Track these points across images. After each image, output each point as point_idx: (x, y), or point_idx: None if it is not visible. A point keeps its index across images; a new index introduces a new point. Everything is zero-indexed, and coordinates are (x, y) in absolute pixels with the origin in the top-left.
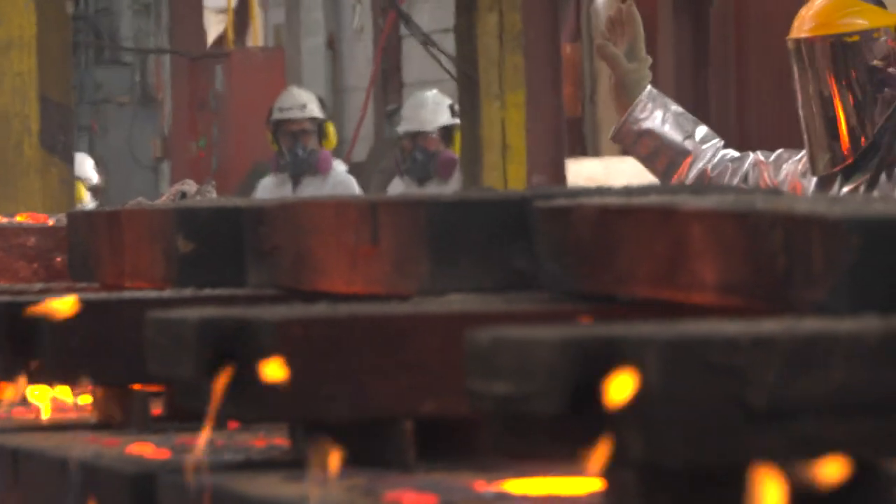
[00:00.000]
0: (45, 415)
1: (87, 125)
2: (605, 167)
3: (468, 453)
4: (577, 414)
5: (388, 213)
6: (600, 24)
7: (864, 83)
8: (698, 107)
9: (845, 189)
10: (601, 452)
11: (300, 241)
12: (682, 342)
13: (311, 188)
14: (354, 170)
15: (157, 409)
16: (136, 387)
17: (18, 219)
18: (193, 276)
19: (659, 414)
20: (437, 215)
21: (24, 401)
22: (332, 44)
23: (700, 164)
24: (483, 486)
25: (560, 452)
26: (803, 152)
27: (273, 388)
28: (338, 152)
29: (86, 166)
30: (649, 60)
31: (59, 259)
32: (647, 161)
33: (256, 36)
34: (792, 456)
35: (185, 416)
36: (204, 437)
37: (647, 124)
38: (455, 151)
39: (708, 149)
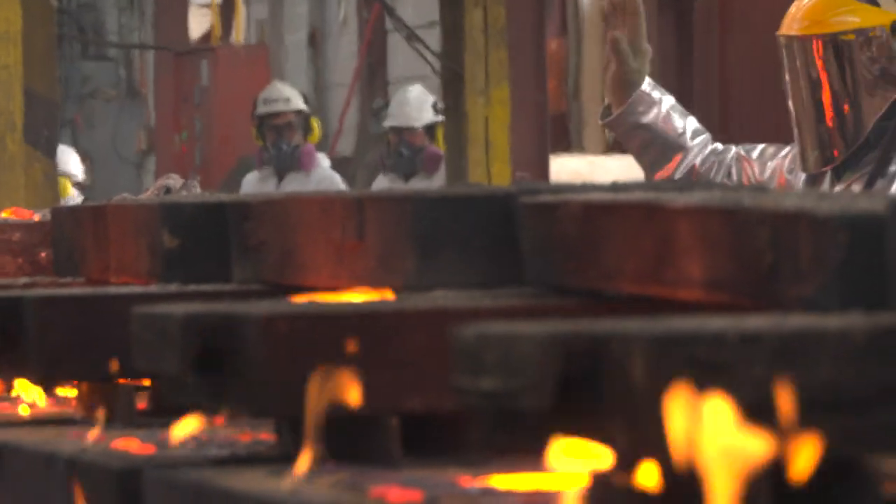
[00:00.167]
0: (30, 410)
1: (70, 119)
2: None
3: (454, 449)
4: (562, 410)
5: (373, 208)
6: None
7: (858, 82)
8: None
9: (838, 188)
10: (586, 448)
11: (286, 236)
12: (669, 338)
13: (295, 183)
14: (339, 165)
15: (142, 403)
16: (122, 382)
17: (3, 214)
18: (178, 271)
19: (645, 410)
20: (422, 211)
21: (9, 396)
22: (316, 39)
23: (689, 160)
24: (469, 481)
25: (546, 448)
26: (788, 148)
27: (258, 384)
28: (321, 147)
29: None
30: (649, 52)
31: (43, 254)
32: (637, 152)
33: (240, 31)
34: (779, 452)
35: (170, 411)
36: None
37: (644, 119)
38: (439, 147)
39: (697, 144)
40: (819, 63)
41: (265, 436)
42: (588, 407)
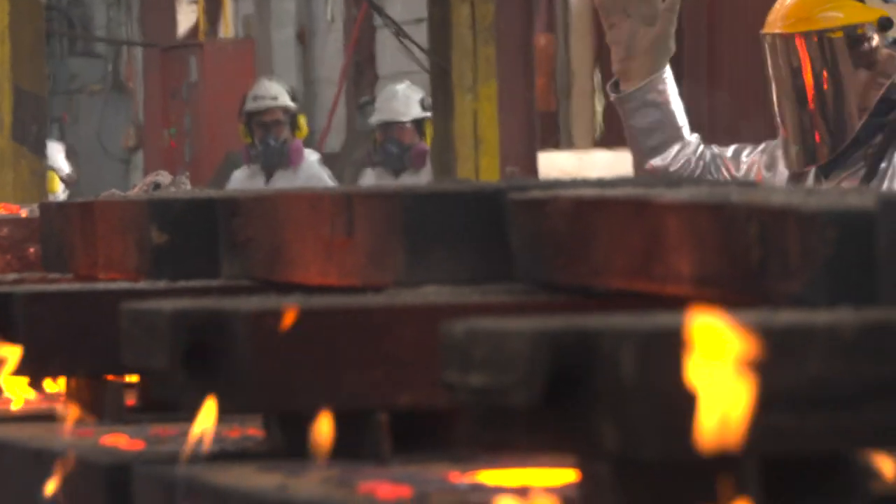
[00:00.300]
0: (19, 405)
1: (58, 116)
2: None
3: (443, 445)
4: (552, 406)
5: (363, 204)
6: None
7: (847, 79)
8: None
9: (825, 186)
10: (576, 444)
11: (275, 232)
12: (658, 334)
13: (283, 180)
14: (327, 161)
15: (131, 399)
16: (110, 378)
17: None
18: (167, 267)
19: (634, 406)
20: (412, 207)
21: None
22: (303, 35)
23: (685, 153)
24: (458, 477)
25: (535, 444)
26: (763, 145)
27: (247, 380)
28: (309, 144)
29: (59, 157)
30: (675, 12)
31: (32, 250)
32: (641, 134)
33: (227, 26)
34: (768, 448)
35: (159, 407)
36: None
37: (661, 98)
38: (426, 143)
39: (693, 140)
40: (807, 61)
41: (254, 432)
42: (577, 403)
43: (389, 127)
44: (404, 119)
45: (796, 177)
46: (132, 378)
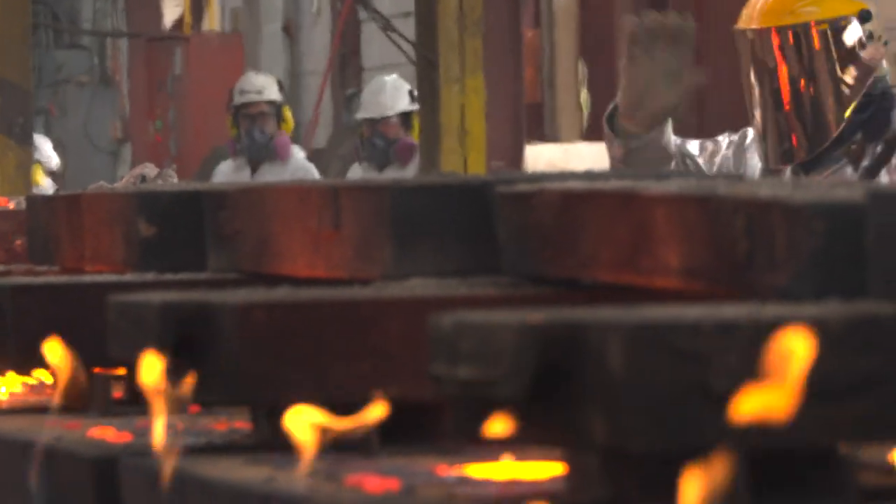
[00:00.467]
0: (6, 398)
1: (44, 108)
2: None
3: (431, 437)
4: (539, 398)
5: (350, 197)
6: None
7: (831, 74)
8: None
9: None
10: (564, 437)
11: (262, 225)
12: (646, 327)
13: (270, 174)
14: (313, 156)
15: (118, 392)
16: (97, 370)
17: None
18: (154, 260)
19: (622, 398)
20: (399, 200)
21: None
22: (290, 28)
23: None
24: (445, 470)
25: (523, 436)
26: (726, 139)
27: (235, 372)
28: (295, 137)
29: (45, 149)
30: (692, 90)
31: (19, 242)
32: (622, 158)
33: (213, 19)
34: (754, 440)
35: (146, 399)
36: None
37: (665, 137)
38: (414, 137)
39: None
40: (788, 55)
41: (241, 424)
42: (565, 396)
43: (375, 122)
44: (390, 114)
45: (771, 174)
46: (119, 370)
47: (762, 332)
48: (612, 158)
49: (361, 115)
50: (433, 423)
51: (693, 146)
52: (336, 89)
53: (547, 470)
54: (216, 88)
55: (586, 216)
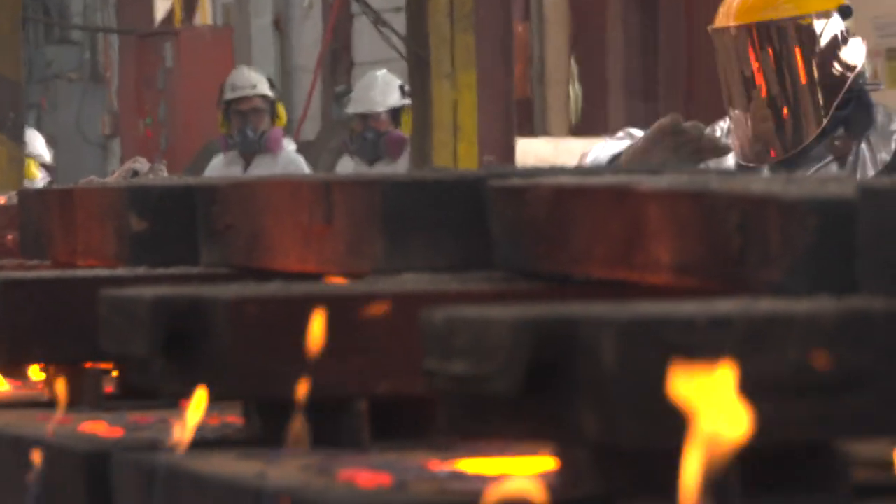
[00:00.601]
0: None
1: (36, 102)
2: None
3: (423, 433)
4: (532, 393)
5: (342, 192)
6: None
7: (811, 70)
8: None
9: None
10: (556, 432)
11: (254, 220)
12: (639, 322)
13: (261, 167)
14: (303, 149)
15: (109, 387)
16: (89, 365)
17: None
18: (146, 254)
19: (614, 394)
20: (391, 195)
21: None
22: (280, 22)
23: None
24: (437, 465)
25: (516, 432)
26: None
27: (227, 367)
28: (286, 132)
29: (37, 143)
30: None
31: (10, 237)
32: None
33: (205, 14)
34: (748, 436)
35: (138, 394)
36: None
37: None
38: (404, 132)
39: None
40: (773, 51)
41: (233, 419)
42: (557, 391)
43: (366, 117)
44: (380, 109)
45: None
46: (111, 365)
47: (756, 327)
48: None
49: (352, 109)
50: (425, 419)
51: None
52: (326, 84)
53: (539, 465)
54: (207, 82)
55: (580, 211)
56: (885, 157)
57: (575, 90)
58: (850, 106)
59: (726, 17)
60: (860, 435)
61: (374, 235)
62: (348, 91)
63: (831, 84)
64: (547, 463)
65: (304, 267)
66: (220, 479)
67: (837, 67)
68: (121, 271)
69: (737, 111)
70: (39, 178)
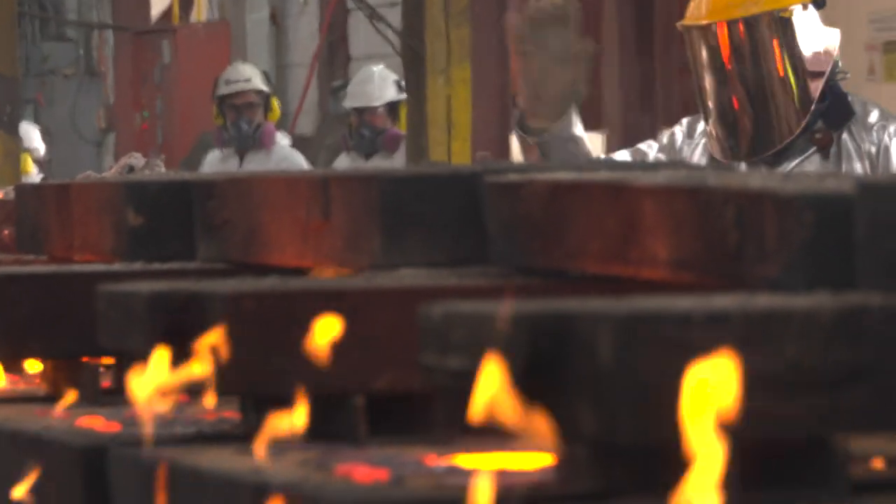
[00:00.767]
0: None
1: (32, 98)
2: None
3: (420, 427)
4: (529, 389)
5: (339, 187)
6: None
7: (794, 63)
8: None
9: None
10: (554, 427)
11: (251, 215)
12: (636, 317)
13: (256, 162)
14: (299, 143)
15: (106, 382)
16: (86, 360)
17: None
18: (143, 249)
19: (612, 389)
20: (388, 190)
21: None
22: (276, 18)
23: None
24: (435, 460)
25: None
26: (666, 137)
27: (224, 362)
28: (281, 127)
29: (33, 137)
30: (587, 60)
31: (6, 232)
32: (538, 158)
33: (201, 10)
34: (745, 432)
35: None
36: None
37: (577, 130)
38: (401, 127)
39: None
40: (752, 46)
41: (230, 414)
42: (554, 386)
43: (363, 112)
44: (377, 104)
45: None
46: (108, 360)
47: (753, 323)
48: (528, 161)
49: (349, 104)
50: (423, 413)
51: (622, 154)
52: (322, 79)
53: (536, 460)
54: (203, 77)
55: (575, 207)
56: (869, 148)
57: None
58: (828, 98)
59: (698, 14)
60: (858, 430)
61: (372, 231)
62: (346, 85)
63: (812, 76)
64: (544, 458)
65: (301, 262)
66: (218, 474)
67: (817, 59)
68: (118, 266)
69: (714, 108)
70: (33, 174)
